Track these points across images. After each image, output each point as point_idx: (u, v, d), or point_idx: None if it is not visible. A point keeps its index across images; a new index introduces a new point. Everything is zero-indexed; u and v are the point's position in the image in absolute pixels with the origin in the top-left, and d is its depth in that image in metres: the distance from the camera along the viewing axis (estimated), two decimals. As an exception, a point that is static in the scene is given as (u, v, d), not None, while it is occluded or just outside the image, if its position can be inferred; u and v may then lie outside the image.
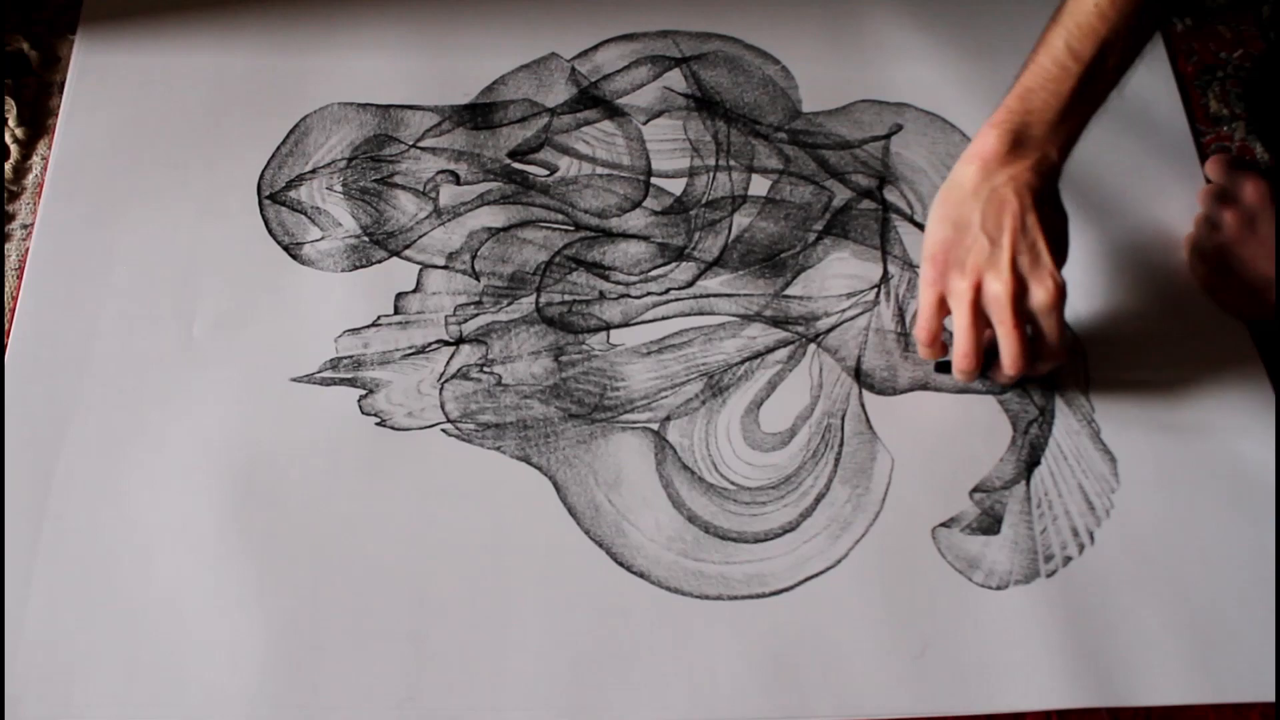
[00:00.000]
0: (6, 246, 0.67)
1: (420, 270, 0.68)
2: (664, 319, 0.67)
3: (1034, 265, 0.58)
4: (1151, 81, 0.78)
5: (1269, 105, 0.75)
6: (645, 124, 0.74)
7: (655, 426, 0.64)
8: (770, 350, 0.67)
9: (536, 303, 0.67)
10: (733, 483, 0.62)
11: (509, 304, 0.67)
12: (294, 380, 0.63)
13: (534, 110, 0.74)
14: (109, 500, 0.59)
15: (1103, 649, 0.59)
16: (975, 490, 0.63)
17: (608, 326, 0.67)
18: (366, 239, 0.68)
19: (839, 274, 0.70)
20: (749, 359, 0.66)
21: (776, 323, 0.68)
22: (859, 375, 0.66)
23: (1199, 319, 0.70)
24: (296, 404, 0.63)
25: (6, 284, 0.65)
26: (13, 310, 0.64)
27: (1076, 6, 0.59)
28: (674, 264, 0.69)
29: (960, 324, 0.60)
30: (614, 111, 0.75)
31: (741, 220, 0.71)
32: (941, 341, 0.63)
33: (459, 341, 0.65)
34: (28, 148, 0.71)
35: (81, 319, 0.64)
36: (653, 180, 0.72)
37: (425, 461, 0.61)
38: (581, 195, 0.71)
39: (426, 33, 0.76)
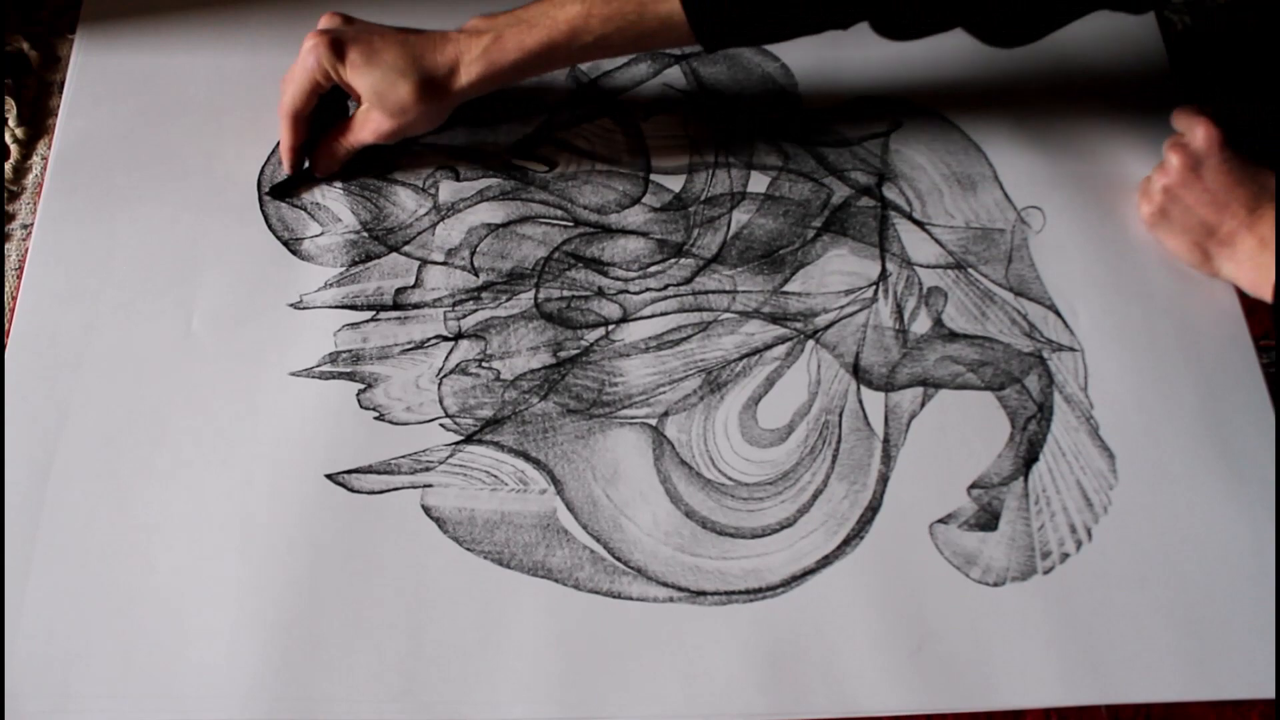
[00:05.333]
0: (6, 246, 0.67)
1: (419, 266, 0.68)
2: (662, 315, 0.67)
3: None
4: (1152, 81, 0.78)
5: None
6: (645, 120, 0.74)
7: (653, 422, 0.64)
8: (768, 347, 0.67)
9: (535, 298, 0.67)
10: (730, 478, 0.62)
11: (508, 299, 0.67)
12: (293, 374, 0.63)
13: (534, 106, 0.74)
14: (107, 495, 0.59)
15: (1101, 646, 0.59)
16: (973, 486, 0.63)
17: (606, 322, 0.67)
18: (366, 234, 0.68)
19: (837, 271, 0.70)
20: (747, 355, 0.66)
21: (775, 319, 0.68)
22: (857, 372, 0.66)
23: (1198, 317, 0.70)
24: (295, 398, 0.63)
25: (6, 283, 0.65)
26: (13, 309, 0.64)
27: None
28: (673, 260, 0.69)
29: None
30: (614, 108, 0.75)
31: (740, 217, 0.71)
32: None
33: (458, 337, 0.66)
34: (28, 148, 0.71)
35: (81, 317, 0.64)
36: (652, 177, 0.72)
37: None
38: (581, 191, 0.71)
39: (426, 29, 0.76)
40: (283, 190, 0.69)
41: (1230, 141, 0.69)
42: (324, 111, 0.68)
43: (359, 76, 0.64)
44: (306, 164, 0.69)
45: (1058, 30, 0.63)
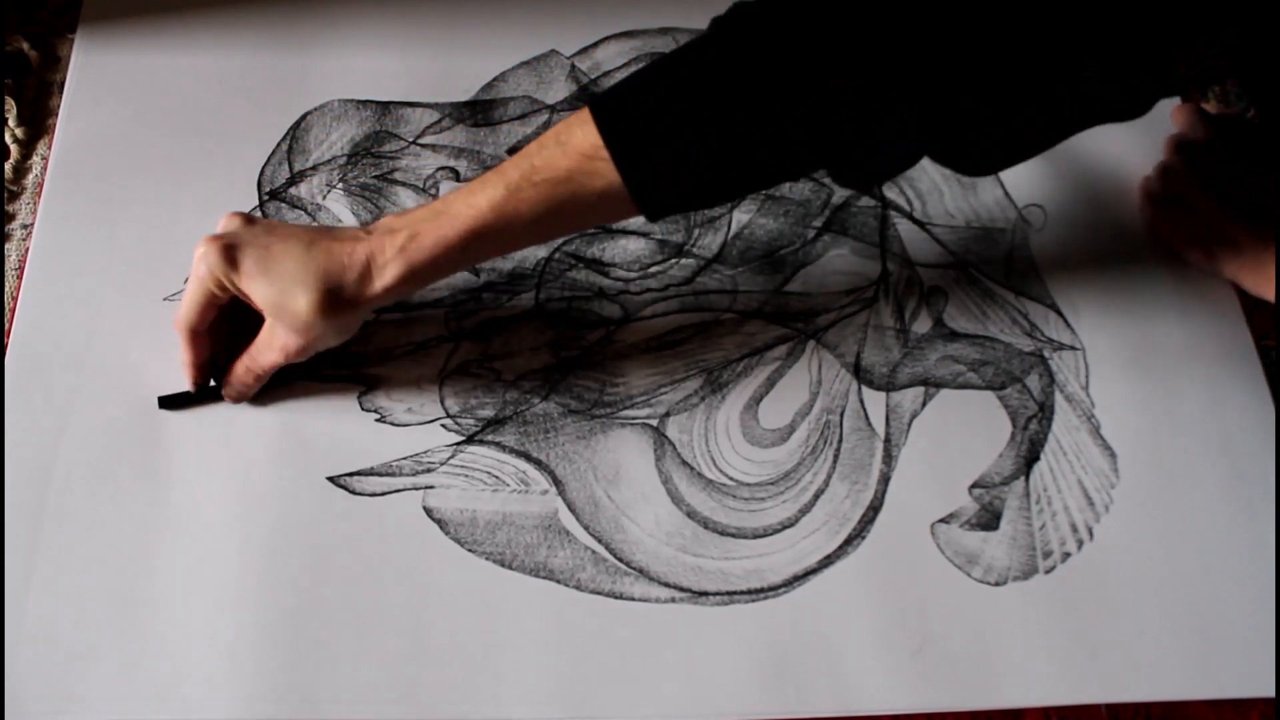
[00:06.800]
0: (6, 246, 0.67)
1: (420, 267, 0.68)
2: (663, 315, 0.67)
3: None
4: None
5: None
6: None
7: (655, 423, 0.64)
8: (769, 347, 0.67)
9: (536, 298, 0.67)
10: (732, 479, 0.62)
11: (509, 300, 0.67)
12: (294, 376, 0.63)
13: (534, 107, 0.74)
14: (109, 495, 0.59)
15: (1101, 645, 0.59)
16: (974, 486, 0.63)
17: (607, 323, 0.67)
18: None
19: (838, 271, 0.70)
20: (748, 355, 0.66)
21: (776, 319, 0.68)
22: (858, 372, 0.66)
23: (1199, 316, 0.70)
24: (297, 400, 0.63)
25: (6, 284, 0.65)
26: (13, 310, 0.64)
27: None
28: (673, 260, 0.69)
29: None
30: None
31: (741, 217, 0.71)
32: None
33: (459, 337, 0.66)
34: (28, 148, 0.71)
35: (81, 317, 0.64)
36: (652, 177, 0.72)
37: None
38: (581, 192, 0.71)
39: (427, 29, 0.77)
40: (175, 403, 0.62)
41: (1230, 141, 0.69)
42: (238, 321, 0.61)
43: (254, 287, 0.56)
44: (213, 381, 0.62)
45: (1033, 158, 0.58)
